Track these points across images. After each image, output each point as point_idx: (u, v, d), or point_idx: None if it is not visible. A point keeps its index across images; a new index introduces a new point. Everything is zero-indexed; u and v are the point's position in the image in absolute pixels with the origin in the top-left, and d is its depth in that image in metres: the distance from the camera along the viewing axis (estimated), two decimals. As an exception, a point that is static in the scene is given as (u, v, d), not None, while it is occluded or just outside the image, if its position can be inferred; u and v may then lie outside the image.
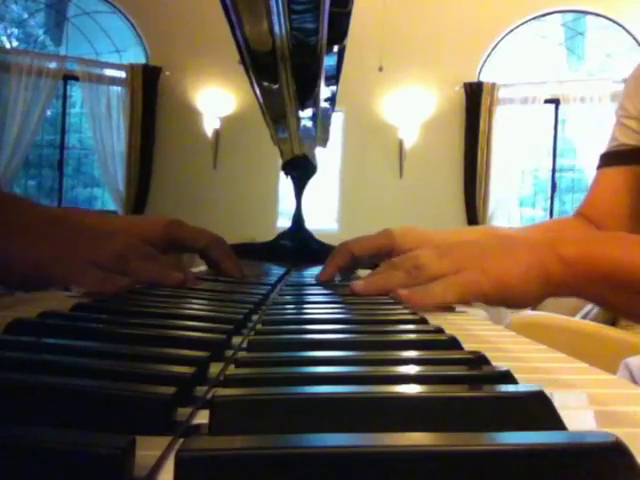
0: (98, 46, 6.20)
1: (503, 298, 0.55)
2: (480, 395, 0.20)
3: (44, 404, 0.19)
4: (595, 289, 0.56)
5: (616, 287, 0.55)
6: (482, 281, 0.54)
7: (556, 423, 0.19)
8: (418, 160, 5.95)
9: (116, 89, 6.09)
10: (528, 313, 2.21)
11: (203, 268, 0.85)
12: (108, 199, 6.35)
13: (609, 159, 0.91)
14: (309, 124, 1.00)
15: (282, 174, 1.19)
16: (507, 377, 0.23)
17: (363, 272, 0.84)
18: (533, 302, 0.57)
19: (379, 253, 0.76)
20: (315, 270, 0.89)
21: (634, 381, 0.84)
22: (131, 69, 6.02)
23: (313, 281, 0.72)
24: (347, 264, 0.73)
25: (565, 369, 0.30)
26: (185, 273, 0.56)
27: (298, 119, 0.95)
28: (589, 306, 2.25)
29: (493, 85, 5.87)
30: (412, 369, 0.25)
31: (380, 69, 5.50)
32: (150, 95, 6.03)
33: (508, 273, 0.54)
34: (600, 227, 0.89)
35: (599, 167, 0.93)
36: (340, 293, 0.62)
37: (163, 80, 6.07)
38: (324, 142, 1.19)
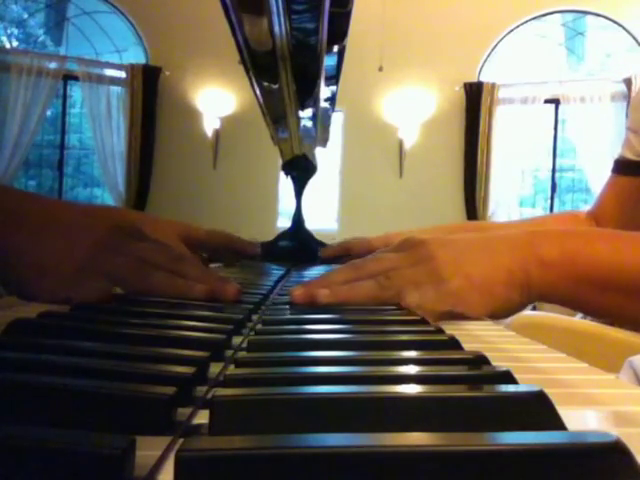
0: (98, 46, 6.20)
1: (491, 309, 0.49)
2: (480, 395, 0.20)
3: (44, 404, 0.19)
4: (581, 293, 0.50)
5: (604, 289, 0.50)
6: (469, 290, 0.48)
7: (556, 423, 0.19)
8: (418, 160, 5.95)
9: (116, 89, 6.09)
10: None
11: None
12: (108, 199, 6.35)
13: (621, 167, 0.90)
14: (309, 124, 1.00)
15: (282, 174, 1.19)
16: (507, 377, 0.23)
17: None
18: (514, 312, 0.51)
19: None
20: (315, 270, 0.89)
21: (638, 380, 0.84)
22: (131, 69, 6.02)
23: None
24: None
25: (565, 369, 0.30)
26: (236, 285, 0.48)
27: (298, 119, 0.95)
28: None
29: (493, 85, 5.87)
30: (412, 369, 0.25)
31: (380, 69, 5.50)
32: (150, 95, 6.03)
33: (491, 279, 0.49)
34: None
35: (612, 171, 0.92)
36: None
37: (163, 80, 6.07)
38: (324, 142, 1.19)
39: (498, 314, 0.50)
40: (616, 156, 0.92)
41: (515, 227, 0.97)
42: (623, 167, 0.90)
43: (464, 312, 0.48)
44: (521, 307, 0.52)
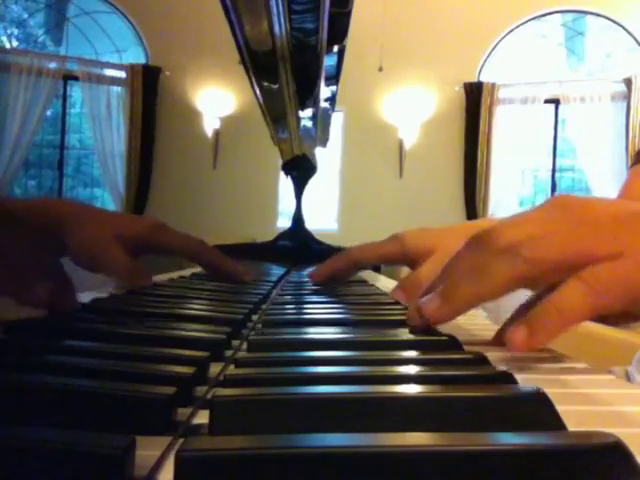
0: (98, 46, 6.20)
1: None
2: (480, 395, 0.20)
3: (44, 404, 0.19)
4: None
5: None
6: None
7: (556, 423, 0.19)
8: (418, 160, 5.95)
9: (116, 89, 6.09)
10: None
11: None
12: (108, 199, 6.35)
13: None
14: (309, 124, 1.00)
15: (282, 174, 1.19)
16: (507, 377, 0.23)
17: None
18: None
19: (385, 262, 0.67)
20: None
21: None
22: (131, 69, 6.02)
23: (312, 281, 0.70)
24: (346, 272, 0.67)
25: (565, 369, 0.30)
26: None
27: (298, 119, 0.95)
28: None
29: (493, 85, 5.87)
30: (412, 369, 0.25)
31: (380, 69, 5.50)
32: (150, 95, 6.03)
33: None
34: None
35: (633, 164, 0.82)
36: (341, 293, 0.62)
37: (163, 80, 6.07)
38: (324, 142, 1.20)
39: None
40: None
41: None
42: None
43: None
44: None
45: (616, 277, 0.31)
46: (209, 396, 0.21)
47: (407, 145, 5.98)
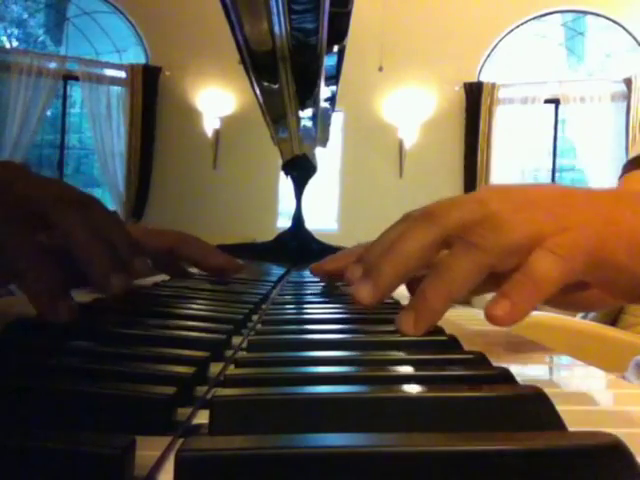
0: (98, 46, 6.20)
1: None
2: (480, 395, 0.20)
3: (44, 404, 0.19)
4: None
5: None
6: (614, 241, 0.32)
7: (556, 423, 0.19)
8: (418, 160, 5.95)
9: (116, 89, 6.09)
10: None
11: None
12: (108, 199, 6.35)
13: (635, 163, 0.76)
14: (309, 124, 1.00)
15: (282, 174, 1.19)
16: (507, 377, 0.23)
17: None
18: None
19: None
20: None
21: None
22: (131, 69, 6.02)
23: (312, 281, 0.69)
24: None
25: (565, 369, 0.30)
26: None
27: (298, 119, 0.95)
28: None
29: (493, 85, 5.87)
30: (412, 369, 0.25)
31: (380, 69, 5.50)
32: (150, 95, 6.03)
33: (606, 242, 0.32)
34: None
35: (623, 174, 0.78)
36: (340, 293, 0.61)
37: (163, 80, 6.07)
38: (324, 142, 1.20)
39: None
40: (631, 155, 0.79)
41: None
42: None
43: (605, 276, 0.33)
44: None
45: (575, 243, 0.32)
46: (209, 396, 0.21)
47: (407, 145, 5.97)
